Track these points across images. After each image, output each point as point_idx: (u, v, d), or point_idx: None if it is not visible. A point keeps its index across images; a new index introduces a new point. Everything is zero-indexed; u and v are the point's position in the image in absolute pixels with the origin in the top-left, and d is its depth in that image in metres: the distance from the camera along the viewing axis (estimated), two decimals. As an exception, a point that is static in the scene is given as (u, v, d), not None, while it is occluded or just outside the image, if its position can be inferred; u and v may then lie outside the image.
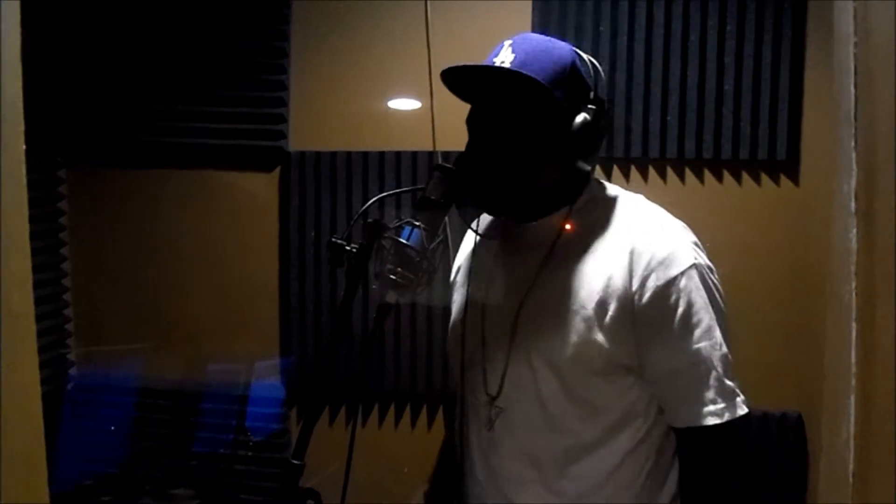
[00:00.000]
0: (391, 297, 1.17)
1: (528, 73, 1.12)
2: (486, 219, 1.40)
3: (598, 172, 1.98)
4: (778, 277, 2.13)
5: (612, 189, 1.31)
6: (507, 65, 1.15)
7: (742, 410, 1.16)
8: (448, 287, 1.50)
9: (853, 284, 0.57)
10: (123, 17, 2.35)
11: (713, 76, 2.14)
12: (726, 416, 1.14)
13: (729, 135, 2.14)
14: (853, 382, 0.56)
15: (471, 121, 1.24)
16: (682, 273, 1.15)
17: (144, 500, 2.26)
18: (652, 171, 2.20)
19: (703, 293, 1.15)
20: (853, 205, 0.57)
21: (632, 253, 1.17)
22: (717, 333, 1.15)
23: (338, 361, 2.28)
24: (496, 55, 1.18)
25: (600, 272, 1.19)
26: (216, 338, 2.41)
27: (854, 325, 0.57)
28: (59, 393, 2.36)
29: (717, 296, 1.19)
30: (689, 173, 2.19)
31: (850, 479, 0.55)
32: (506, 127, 1.18)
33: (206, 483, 2.32)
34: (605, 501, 1.22)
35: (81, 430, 2.35)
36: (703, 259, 1.19)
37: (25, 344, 0.68)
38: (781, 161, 2.13)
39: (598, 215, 1.25)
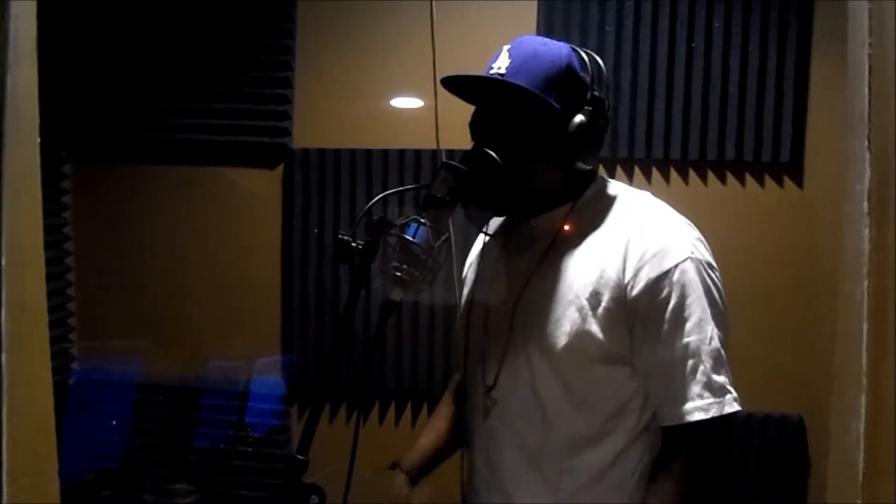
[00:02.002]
0: (396, 295, 1.17)
1: (519, 82, 1.16)
2: (496, 218, 1.42)
3: (601, 173, 1.99)
4: (781, 280, 2.13)
5: (616, 186, 1.33)
6: (502, 71, 1.19)
7: (731, 408, 1.14)
8: (450, 286, 1.52)
9: (865, 284, 0.57)
10: (129, 15, 2.35)
11: (717, 77, 2.14)
12: (712, 412, 1.13)
13: (733, 136, 2.14)
14: (864, 381, 0.56)
15: (472, 124, 1.28)
16: (676, 266, 1.15)
17: (145, 496, 2.26)
18: (655, 172, 2.21)
19: (697, 287, 1.15)
20: (866, 205, 0.58)
21: (627, 244, 1.19)
22: (709, 328, 1.14)
23: (340, 359, 2.28)
24: (495, 60, 1.23)
25: (595, 263, 1.21)
26: (218, 333, 2.42)
27: (865, 324, 0.57)
28: (61, 387, 2.36)
29: (715, 291, 1.18)
30: (692, 174, 2.19)
31: (860, 479, 0.55)
32: (502, 131, 1.22)
33: (206, 479, 2.33)
34: (597, 500, 1.22)
35: (83, 425, 2.36)
36: (701, 254, 1.19)
37: (37, 339, 0.68)
38: (785, 163, 2.13)
39: (599, 211, 1.27)
